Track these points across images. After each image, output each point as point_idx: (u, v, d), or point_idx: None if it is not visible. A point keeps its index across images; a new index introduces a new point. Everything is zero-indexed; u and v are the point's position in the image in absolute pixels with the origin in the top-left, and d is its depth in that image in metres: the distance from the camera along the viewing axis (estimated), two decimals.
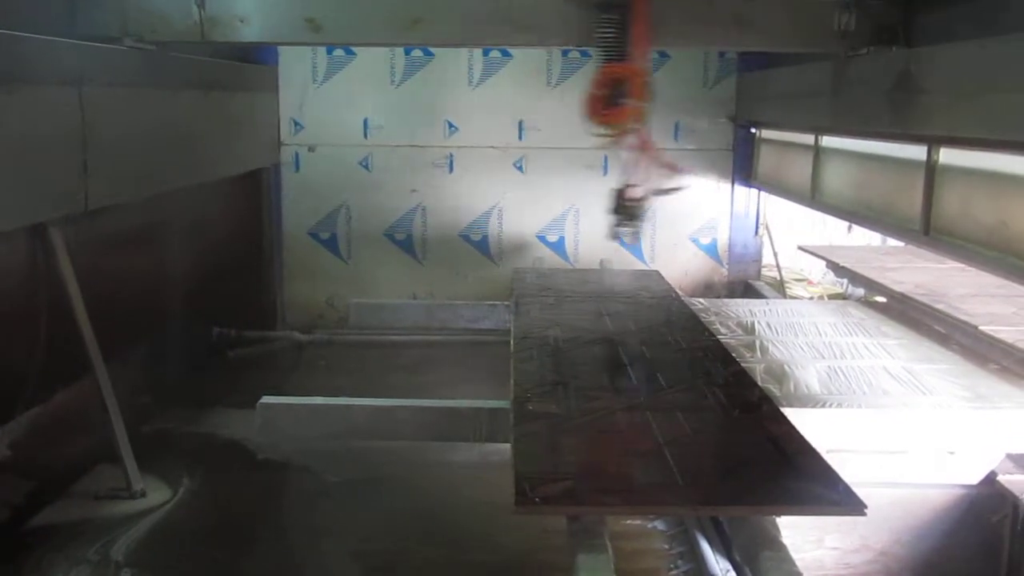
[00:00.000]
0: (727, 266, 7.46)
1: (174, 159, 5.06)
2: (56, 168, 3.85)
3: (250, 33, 4.45)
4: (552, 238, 7.38)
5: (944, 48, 3.86)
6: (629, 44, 4.08)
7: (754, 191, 7.27)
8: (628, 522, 4.10)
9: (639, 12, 4.06)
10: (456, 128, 7.21)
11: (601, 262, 6.71)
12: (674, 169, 4.31)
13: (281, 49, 7.06)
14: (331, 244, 7.37)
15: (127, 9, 4.38)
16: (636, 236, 4.54)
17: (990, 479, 3.83)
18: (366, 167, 7.27)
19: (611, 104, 4.08)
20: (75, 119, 3.94)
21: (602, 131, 4.15)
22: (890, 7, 4.22)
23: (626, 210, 4.38)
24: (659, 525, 4.09)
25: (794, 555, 3.49)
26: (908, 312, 5.19)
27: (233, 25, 4.43)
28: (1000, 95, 3.30)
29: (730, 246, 7.44)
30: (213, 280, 6.23)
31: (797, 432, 3.11)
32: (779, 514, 2.80)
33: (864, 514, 2.59)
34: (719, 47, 6.65)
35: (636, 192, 4.33)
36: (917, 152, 4.16)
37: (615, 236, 4.50)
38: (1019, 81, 3.14)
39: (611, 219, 4.46)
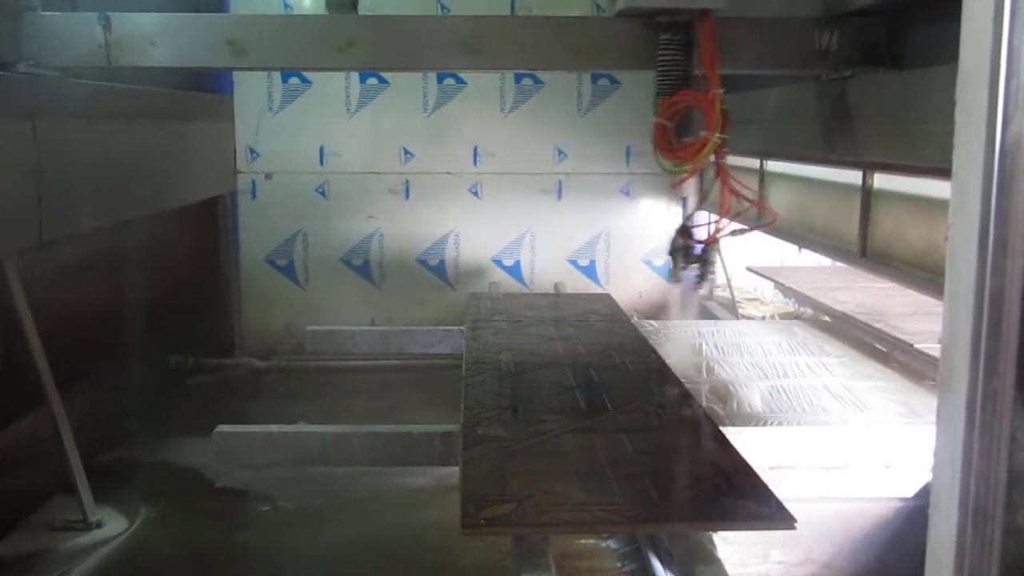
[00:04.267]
0: (680, 287, 7.63)
1: (129, 189, 5.12)
2: (10, 202, 3.89)
3: (162, 57, 4.00)
4: (508, 262, 7.52)
5: (872, 77, 4.03)
6: (693, 67, 3.72)
7: (705, 214, 7.43)
8: (582, 542, 4.22)
9: (707, 31, 3.68)
10: (412, 155, 7.34)
11: (555, 286, 6.84)
12: (758, 205, 3.85)
13: (236, 77, 7.15)
14: (288, 271, 7.44)
15: (21, 31, 3.88)
16: (704, 280, 3.98)
17: (926, 491, 3.98)
18: (323, 194, 7.37)
19: (681, 136, 3.71)
20: (30, 153, 3.99)
21: (674, 167, 3.74)
22: (874, 25, 3.99)
23: (690, 252, 3.92)
24: (612, 544, 4.21)
25: (740, 570, 3.64)
26: (849, 331, 5.37)
27: (143, 48, 3.97)
28: (921, 124, 3.47)
29: None
30: (170, 308, 6.27)
31: (735, 450, 3.25)
32: (712, 529, 2.93)
33: (794, 528, 2.72)
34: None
35: (702, 231, 3.90)
36: (854, 177, 4.34)
37: (678, 280, 4.13)
38: (934, 111, 3.31)
39: (672, 261, 3.99)
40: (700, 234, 3.91)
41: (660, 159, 3.78)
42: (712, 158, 3.67)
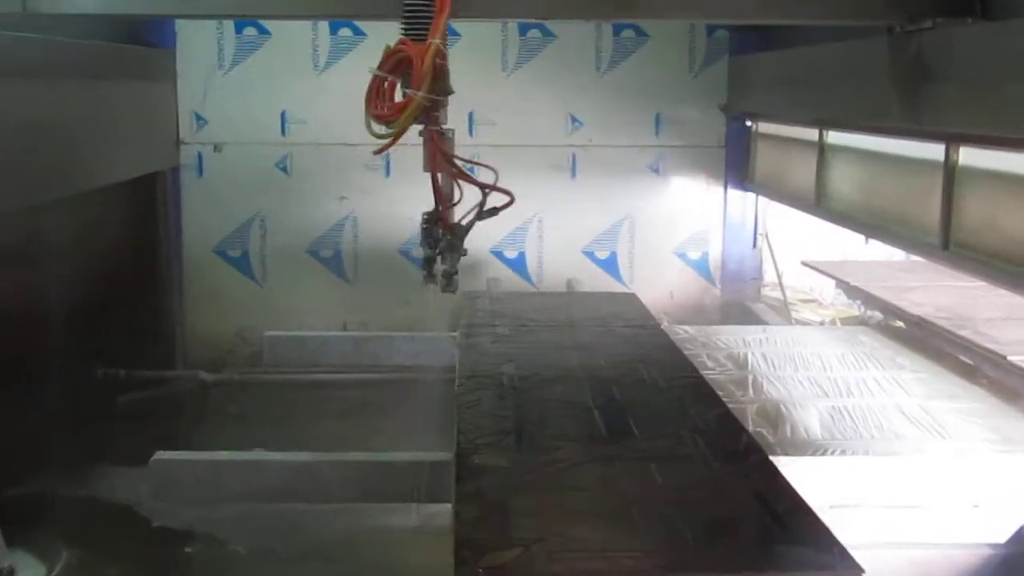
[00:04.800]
0: (720, 285, 7.64)
1: (47, 164, 5.10)
2: None
3: (87, 3, 3.94)
4: (510, 254, 7.52)
5: (958, 29, 4.02)
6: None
7: (751, 195, 7.45)
8: None
9: None
10: None
11: (568, 283, 6.85)
12: (477, 184, 3.89)
13: (179, 27, 7.14)
14: (242, 264, 7.45)
15: None
16: (453, 278, 4.11)
17: (1021, 536, 4.00)
18: (284, 170, 7.37)
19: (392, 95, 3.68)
20: None
21: (379, 129, 3.74)
22: None
23: (437, 240, 4.02)
24: None
25: None
26: (928, 339, 5.38)
27: None
28: (1019, 87, 3.46)
29: (724, 261, 7.63)
30: (98, 310, 6.26)
31: (788, 486, 3.26)
32: None
33: None
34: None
35: (450, 216, 3.98)
36: (934, 151, 4.33)
37: (429, 279, 4.15)
38: None
39: (422, 253, 4.13)
40: (447, 219, 3.98)
41: (368, 121, 3.77)
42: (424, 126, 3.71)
